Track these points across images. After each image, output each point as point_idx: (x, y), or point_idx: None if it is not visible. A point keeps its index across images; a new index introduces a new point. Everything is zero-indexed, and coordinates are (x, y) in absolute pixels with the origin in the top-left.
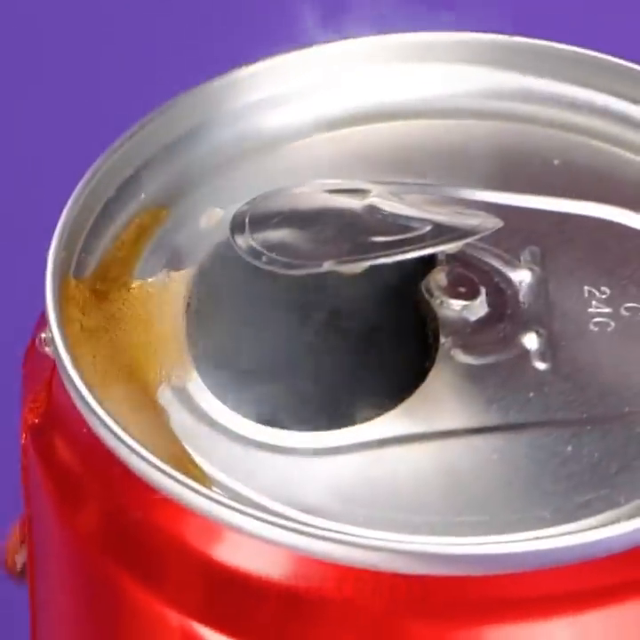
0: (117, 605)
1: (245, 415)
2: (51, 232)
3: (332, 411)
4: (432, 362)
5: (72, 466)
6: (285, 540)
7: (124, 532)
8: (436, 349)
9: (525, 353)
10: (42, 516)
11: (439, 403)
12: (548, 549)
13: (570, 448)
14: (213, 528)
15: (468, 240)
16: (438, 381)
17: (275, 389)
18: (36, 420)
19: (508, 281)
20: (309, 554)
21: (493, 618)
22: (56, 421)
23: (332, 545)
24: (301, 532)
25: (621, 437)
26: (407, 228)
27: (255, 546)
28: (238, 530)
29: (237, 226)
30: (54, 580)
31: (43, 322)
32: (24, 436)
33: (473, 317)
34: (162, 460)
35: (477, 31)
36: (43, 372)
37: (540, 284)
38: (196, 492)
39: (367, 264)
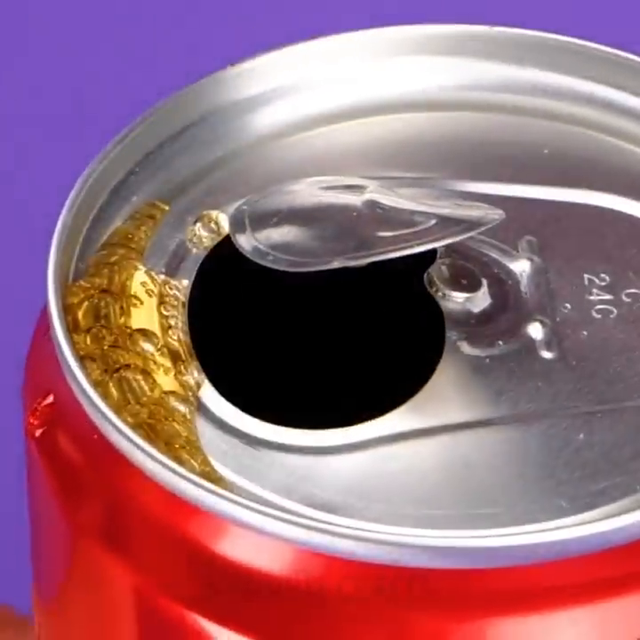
0: (121, 601)
1: (253, 414)
2: (49, 233)
3: (340, 408)
4: (439, 355)
5: (75, 463)
6: (286, 533)
7: (127, 528)
8: (443, 342)
9: (531, 342)
10: (45, 512)
11: (448, 396)
12: (569, 539)
13: (582, 436)
14: (217, 523)
15: (476, 232)
16: (446, 374)
17: (282, 388)
18: (39, 419)
19: (509, 272)
20: (311, 547)
21: (514, 610)
22: (59, 419)
23: (334, 538)
24: (302, 526)
25: (633, 423)
26: (411, 222)
27: (257, 540)
28: (241, 524)
29: (238, 225)
30: (57, 575)
31: (45, 318)
32: (27, 434)
33: (476, 309)
34: (167, 456)
35: (470, 22)
36: (45, 369)
37: (539, 274)
38: (200, 486)
39: (375, 259)
